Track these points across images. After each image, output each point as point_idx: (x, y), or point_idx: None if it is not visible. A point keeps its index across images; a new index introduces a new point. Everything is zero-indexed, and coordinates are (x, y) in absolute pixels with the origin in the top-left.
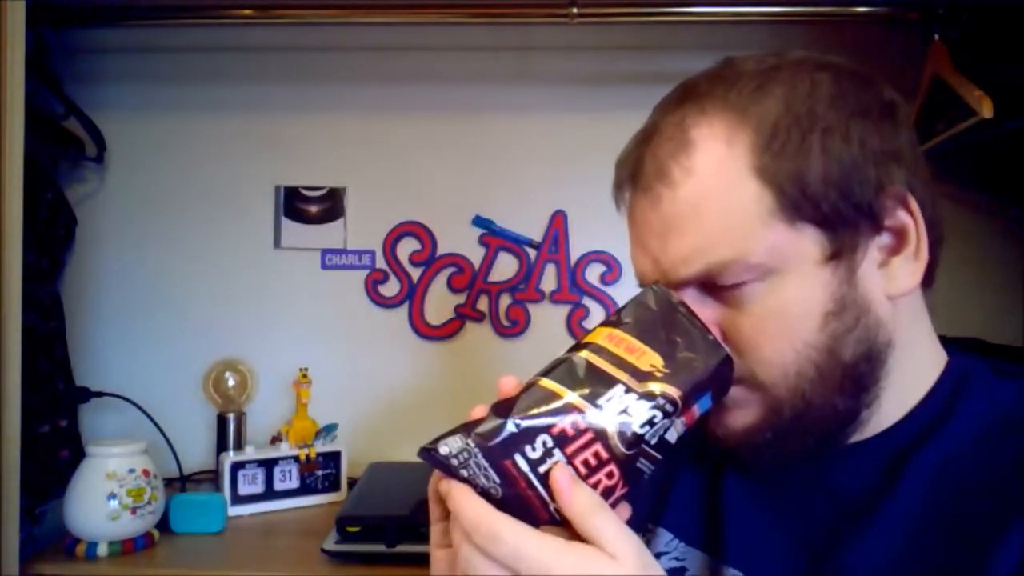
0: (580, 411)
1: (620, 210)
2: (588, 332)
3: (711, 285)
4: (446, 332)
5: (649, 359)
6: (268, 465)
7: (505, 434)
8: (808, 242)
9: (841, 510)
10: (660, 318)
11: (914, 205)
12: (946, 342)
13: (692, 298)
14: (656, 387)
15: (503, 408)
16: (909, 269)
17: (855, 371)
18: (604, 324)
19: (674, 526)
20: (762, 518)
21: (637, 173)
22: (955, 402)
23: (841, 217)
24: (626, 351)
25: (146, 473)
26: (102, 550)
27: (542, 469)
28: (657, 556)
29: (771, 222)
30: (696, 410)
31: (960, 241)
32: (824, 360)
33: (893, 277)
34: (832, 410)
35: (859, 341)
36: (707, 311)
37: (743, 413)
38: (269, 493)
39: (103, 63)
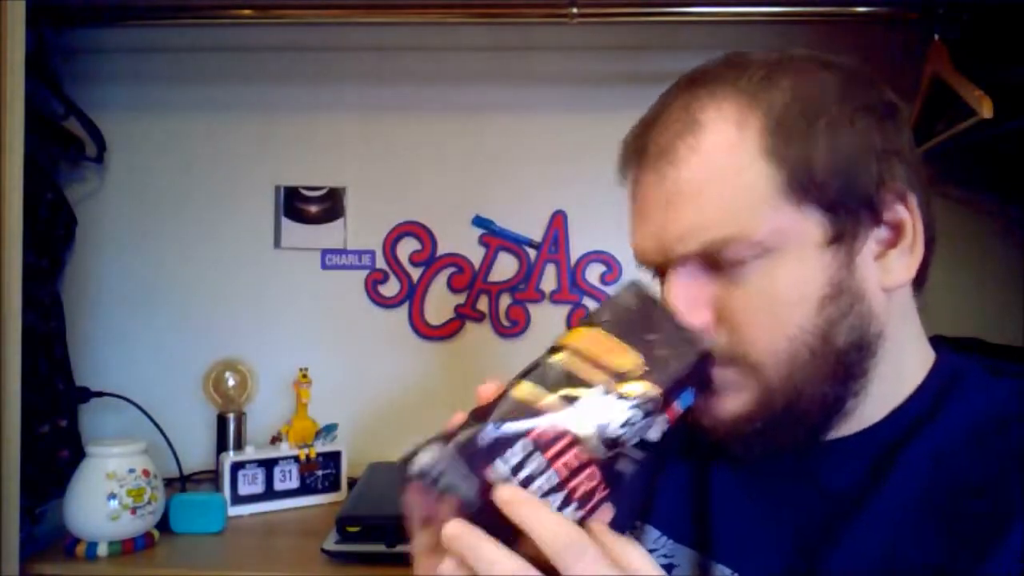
0: (558, 413)
1: (624, 186)
2: (565, 332)
3: (711, 262)
4: (446, 332)
5: (627, 358)
6: (268, 465)
7: (484, 440)
8: (811, 224)
9: (830, 506)
10: (637, 316)
11: (912, 201)
12: (946, 342)
13: (690, 275)
14: (635, 387)
15: (481, 414)
16: (904, 263)
17: (846, 358)
18: (581, 323)
19: (662, 523)
20: (751, 515)
21: (644, 151)
22: (945, 399)
23: (844, 205)
24: (604, 351)
25: (146, 473)
26: (102, 550)
27: (522, 474)
28: None
29: (778, 203)
30: (678, 407)
31: (960, 241)
32: (818, 344)
33: (889, 270)
34: (821, 398)
35: (852, 328)
36: (705, 289)
37: (733, 400)
38: (269, 493)
39: (103, 63)
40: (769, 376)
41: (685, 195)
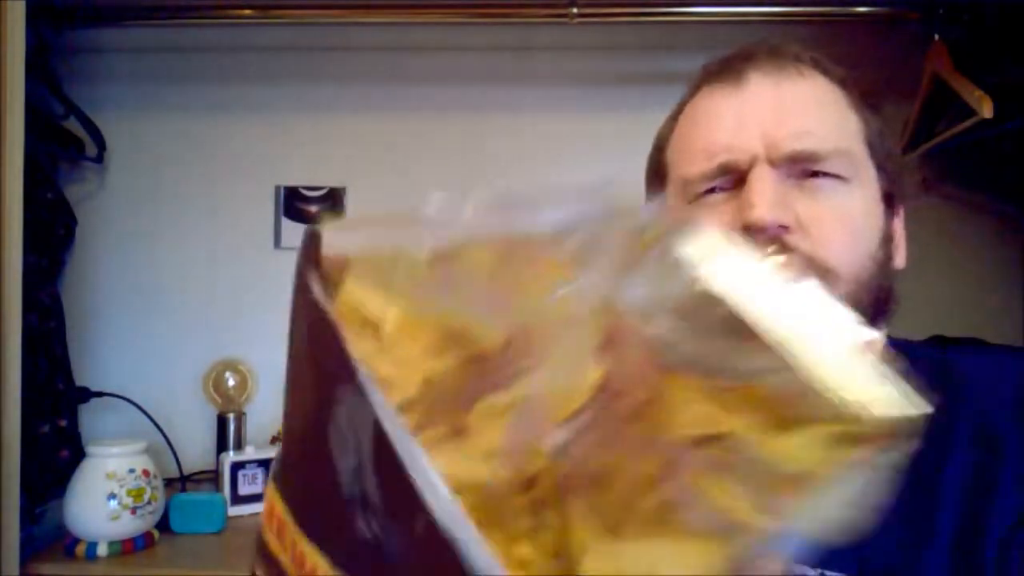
0: None
1: (703, 90)
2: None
3: (803, 171)
4: None
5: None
6: (268, 465)
7: None
8: (875, 175)
9: None
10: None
11: (901, 211)
12: (946, 342)
13: (779, 178)
14: None
15: None
16: (898, 259)
17: (886, 306)
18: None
19: None
20: None
21: (751, 60)
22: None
23: (891, 176)
24: (280, 548)
25: (146, 473)
26: (102, 550)
27: None
28: None
29: (862, 143)
30: None
31: (960, 241)
32: (875, 273)
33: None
34: None
35: (889, 276)
36: (789, 194)
37: None
38: None
39: (103, 63)
40: (841, 291)
41: (805, 102)
